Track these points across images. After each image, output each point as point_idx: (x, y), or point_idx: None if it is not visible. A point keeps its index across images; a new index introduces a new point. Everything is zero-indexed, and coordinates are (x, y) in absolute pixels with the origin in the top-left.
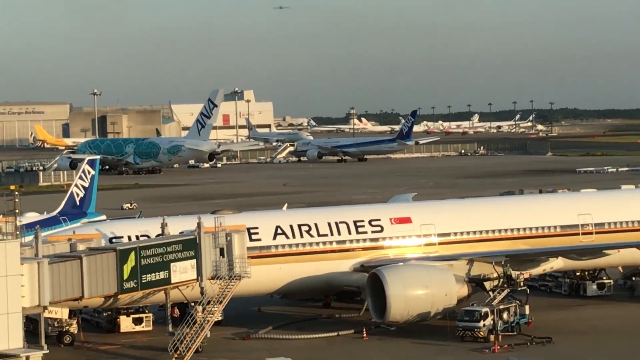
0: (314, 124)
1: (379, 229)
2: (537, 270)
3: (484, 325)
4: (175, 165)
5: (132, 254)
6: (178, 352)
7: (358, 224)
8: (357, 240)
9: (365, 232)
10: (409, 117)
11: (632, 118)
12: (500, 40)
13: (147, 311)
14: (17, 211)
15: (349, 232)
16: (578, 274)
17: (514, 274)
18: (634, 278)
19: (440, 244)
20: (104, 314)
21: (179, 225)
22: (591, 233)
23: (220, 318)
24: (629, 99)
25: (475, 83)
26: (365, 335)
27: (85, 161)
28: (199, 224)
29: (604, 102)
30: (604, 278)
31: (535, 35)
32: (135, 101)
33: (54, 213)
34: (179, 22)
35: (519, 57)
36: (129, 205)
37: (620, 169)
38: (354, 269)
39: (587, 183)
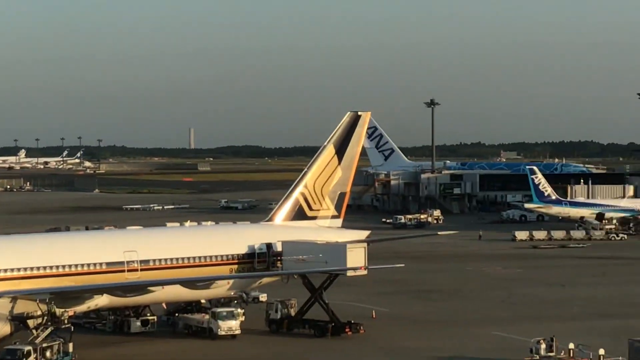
0: None
1: None
2: (81, 308)
3: None
4: None
5: None
6: None
7: None
8: None
9: None
10: None
11: (178, 157)
12: (49, 75)
13: None
14: None
15: None
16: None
17: (58, 311)
18: (177, 314)
19: None
20: None
21: None
22: (137, 270)
23: None
24: (175, 138)
25: (22, 118)
26: None
27: None
28: None
29: (151, 140)
30: (148, 314)
31: (83, 72)
32: None
33: None
34: None
35: (67, 94)
36: None
37: (166, 207)
38: None
39: (133, 220)
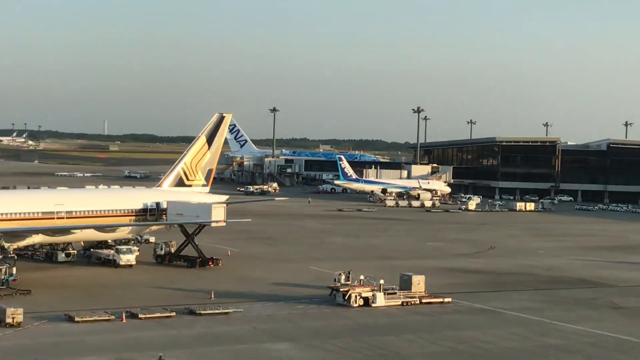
0: None
1: None
2: (23, 243)
3: None
4: None
5: None
6: None
7: None
8: None
9: None
10: None
11: (95, 140)
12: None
13: None
14: None
15: None
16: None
17: (5, 245)
18: (91, 249)
19: None
20: None
21: None
22: (63, 217)
23: None
24: (94, 126)
25: None
26: None
27: None
28: None
29: (77, 127)
30: (70, 249)
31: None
32: None
33: None
34: None
35: (18, 89)
36: None
37: (85, 175)
38: None
39: (62, 183)
